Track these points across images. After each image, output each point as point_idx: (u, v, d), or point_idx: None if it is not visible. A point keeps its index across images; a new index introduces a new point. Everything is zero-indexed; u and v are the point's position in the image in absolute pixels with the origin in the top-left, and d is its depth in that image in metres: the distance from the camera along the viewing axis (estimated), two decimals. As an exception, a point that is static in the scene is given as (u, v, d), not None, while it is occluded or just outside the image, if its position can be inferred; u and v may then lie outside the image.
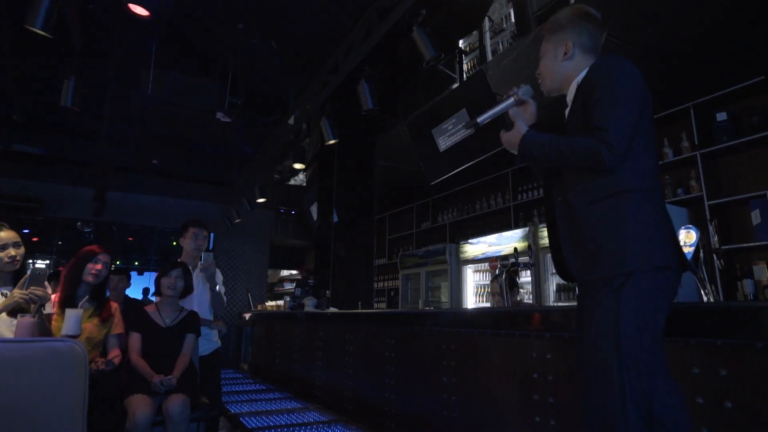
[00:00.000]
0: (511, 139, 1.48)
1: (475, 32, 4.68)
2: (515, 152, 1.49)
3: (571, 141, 1.32)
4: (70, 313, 2.08)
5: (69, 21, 3.95)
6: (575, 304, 1.35)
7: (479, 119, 1.56)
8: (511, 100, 1.57)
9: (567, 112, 1.49)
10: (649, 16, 3.27)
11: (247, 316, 6.71)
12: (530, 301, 5.05)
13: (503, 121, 1.62)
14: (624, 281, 1.19)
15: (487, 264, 5.89)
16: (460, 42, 4.80)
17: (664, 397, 1.15)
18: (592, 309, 1.23)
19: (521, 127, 1.46)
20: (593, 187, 1.31)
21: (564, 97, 1.54)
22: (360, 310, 4.47)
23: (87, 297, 2.40)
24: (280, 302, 7.06)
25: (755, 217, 3.59)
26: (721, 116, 3.93)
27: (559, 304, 4.86)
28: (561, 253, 1.44)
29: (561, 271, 1.48)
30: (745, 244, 3.66)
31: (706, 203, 3.86)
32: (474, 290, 6.26)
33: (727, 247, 3.71)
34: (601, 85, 1.32)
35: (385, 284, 8.27)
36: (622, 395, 1.13)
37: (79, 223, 9.47)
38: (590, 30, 1.48)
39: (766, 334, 1.24)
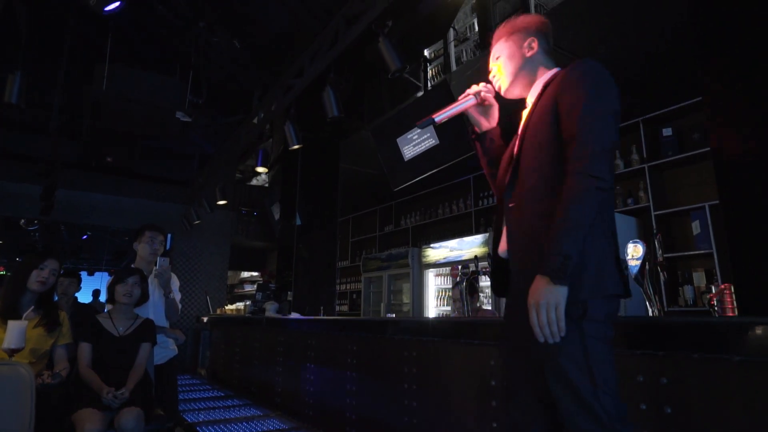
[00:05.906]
0: (540, 287, 1.14)
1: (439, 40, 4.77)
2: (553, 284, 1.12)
3: (568, 201, 1.13)
4: (12, 324, 1.96)
5: (15, 8, 3.72)
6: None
7: (436, 118, 1.44)
8: (472, 98, 1.47)
9: (526, 113, 1.39)
10: (602, 36, 3.44)
11: (206, 319, 6.53)
12: (489, 307, 5.19)
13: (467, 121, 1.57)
14: (582, 312, 1.14)
15: (448, 268, 6.00)
16: (425, 50, 4.87)
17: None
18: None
19: (540, 280, 1.14)
20: (548, 201, 1.20)
21: (522, 100, 1.45)
22: (322, 317, 4.45)
23: (32, 306, 2.27)
24: (240, 305, 6.91)
25: (695, 227, 3.84)
26: (667, 131, 4.19)
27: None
28: (501, 264, 1.37)
29: (497, 287, 1.41)
30: (685, 253, 3.92)
31: (653, 213, 4.10)
32: (435, 294, 6.36)
33: (669, 255, 3.96)
34: (580, 92, 1.21)
35: (348, 287, 8.26)
36: (608, 418, 1.11)
37: (22, 221, 8.90)
38: (549, 38, 1.45)
39: (701, 347, 1.35)
